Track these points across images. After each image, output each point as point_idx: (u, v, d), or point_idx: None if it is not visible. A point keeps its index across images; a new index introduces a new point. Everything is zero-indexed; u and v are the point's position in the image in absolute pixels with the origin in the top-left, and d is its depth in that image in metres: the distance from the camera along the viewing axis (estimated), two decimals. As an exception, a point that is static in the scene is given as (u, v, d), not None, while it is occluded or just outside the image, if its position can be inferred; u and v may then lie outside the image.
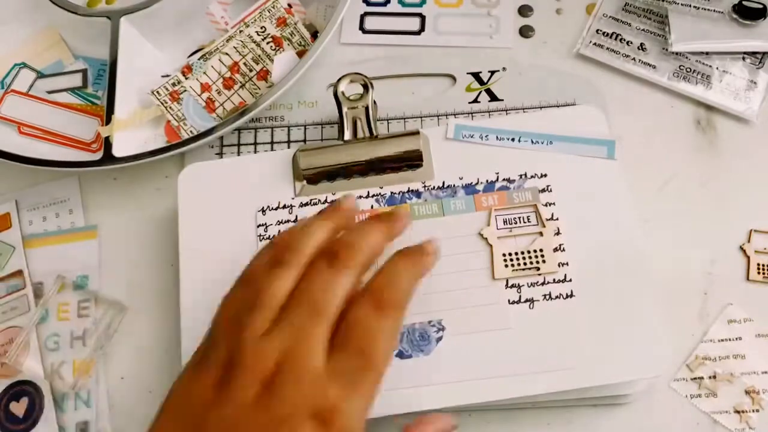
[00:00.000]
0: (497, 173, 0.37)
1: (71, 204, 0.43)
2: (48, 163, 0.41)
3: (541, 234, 0.35)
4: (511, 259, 0.35)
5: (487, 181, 0.37)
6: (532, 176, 0.37)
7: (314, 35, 0.45)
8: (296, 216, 0.37)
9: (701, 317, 0.37)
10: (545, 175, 0.37)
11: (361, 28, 0.48)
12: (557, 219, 0.36)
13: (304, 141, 0.43)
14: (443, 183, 0.37)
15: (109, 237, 0.42)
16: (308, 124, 0.44)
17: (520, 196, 0.36)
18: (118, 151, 0.41)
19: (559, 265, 0.34)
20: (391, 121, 0.43)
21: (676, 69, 0.43)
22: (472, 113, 0.43)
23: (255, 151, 0.43)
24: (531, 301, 0.34)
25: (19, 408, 0.37)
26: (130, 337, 0.39)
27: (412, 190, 0.37)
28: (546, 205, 0.36)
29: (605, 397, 0.34)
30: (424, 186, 0.37)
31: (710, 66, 0.43)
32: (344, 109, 0.39)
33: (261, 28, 0.44)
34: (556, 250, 0.35)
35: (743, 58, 0.44)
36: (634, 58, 0.44)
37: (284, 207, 0.37)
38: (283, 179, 0.38)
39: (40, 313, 0.39)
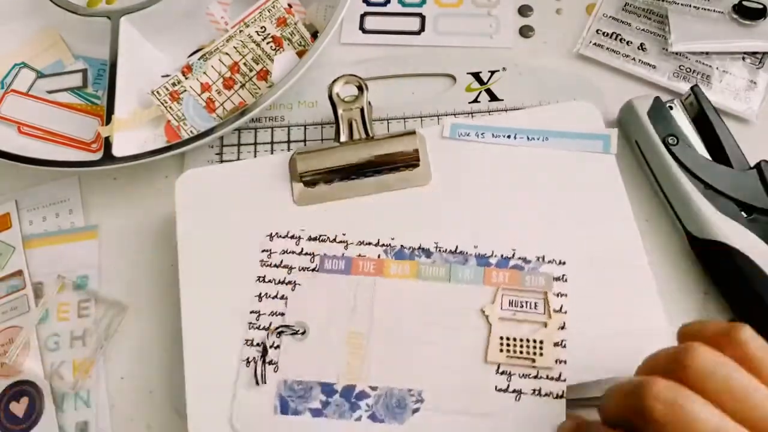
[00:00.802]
0: (514, 249, 0.35)
1: (71, 204, 0.43)
2: (48, 163, 0.41)
3: (545, 325, 0.33)
4: (508, 344, 0.33)
5: (501, 255, 0.35)
6: (550, 261, 0.35)
7: (314, 35, 0.45)
8: (302, 248, 0.36)
9: (701, 317, 0.37)
10: (563, 263, 0.35)
11: (361, 28, 0.48)
12: (565, 312, 0.34)
13: (304, 141, 0.43)
14: (456, 247, 0.35)
15: (109, 237, 0.42)
16: (308, 124, 0.44)
17: (533, 280, 0.34)
18: (118, 151, 0.41)
19: (556, 362, 0.32)
20: (391, 121, 0.43)
21: (676, 69, 0.43)
22: (472, 113, 0.43)
23: (255, 151, 0.43)
24: (519, 392, 0.32)
25: (19, 408, 0.37)
26: (130, 337, 0.39)
27: (423, 248, 0.36)
28: (557, 296, 0.34)
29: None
30: (437, 246, 0.36)
31: (710, 66, 0.43)
32: (339, 111, 0.39)
33: (261, 28, 0.44)
34: (556, 344, 0.33)
35: (743, 58, 0.44)
36: (634, 58, 0.44)
37: (291, 237, 0.37)
38: (280, 182, 0.38)
39: (40, 313, 0.39)
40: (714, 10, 0.45)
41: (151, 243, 0.41)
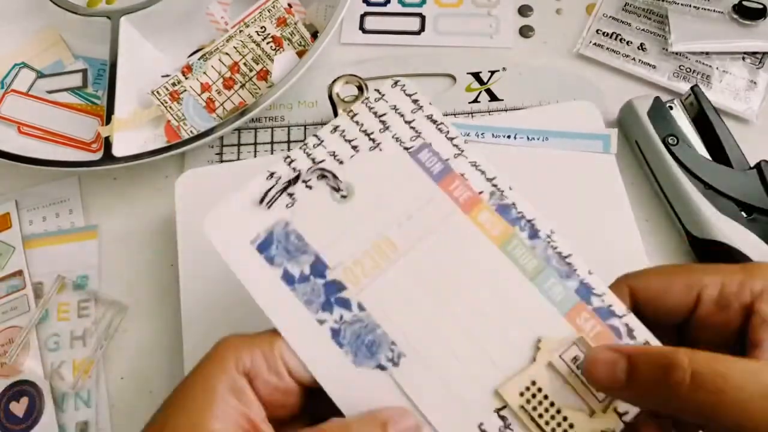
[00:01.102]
0: (628, 311, 0.26)
1: (71, 204, 0.43)
2: (48, 163, 0.41)
3: (591, 413, 0.25)
4: (533, 396, 0.25)
5: (610, 308, 0.26)
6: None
7: (314, 35, 0.45)
8: (413, 120, 0.30)
9: (701, 317, 0.37)
10: None
11: (361, 28, 0.48)
12: (624, 423, 0.25)
13: (304, 141, 0.43)
14: (569, 255, 0.27)
15: (109, 237, 0.42)
16: (308, 124, 0.44)
17: None
18: (118, 151, 0.41)
19: None
20: (391, 121, 0.43)
21: (676, 69, 0.43)
22: (472, 113, 0.43)
23: (255, 151, 0.43)
24: None
25: (19, 408, 0.37)
26: (130, 337, 0.39)
27: (534, 225, 0.27)
28: None
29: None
30: (549, 237, 0.27)
31: (710, 66, 0.43)
32: (339, 111, 0.39)
33: (261, 28, 0.44)
34: None
35: (743, 58, 0.44)
36: (634, 58, 0.44)
37: (414, 101, 0.31)
38: None
39: (40, 313, 0.39)
40: (714, 10, 0.45)
41: (151, 243, 0.41)
